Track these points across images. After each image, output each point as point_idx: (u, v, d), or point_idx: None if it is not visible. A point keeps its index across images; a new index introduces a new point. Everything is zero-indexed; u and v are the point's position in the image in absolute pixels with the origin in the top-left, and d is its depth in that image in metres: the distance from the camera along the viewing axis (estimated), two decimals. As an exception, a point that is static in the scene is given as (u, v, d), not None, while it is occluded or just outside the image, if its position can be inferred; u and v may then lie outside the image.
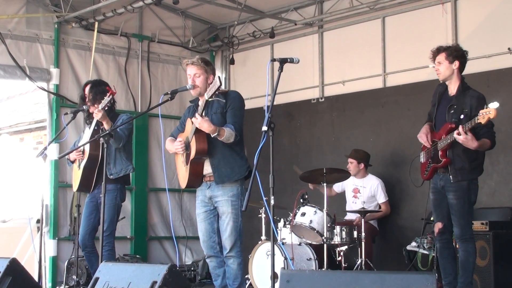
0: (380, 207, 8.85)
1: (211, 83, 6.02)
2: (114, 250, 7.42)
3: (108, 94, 6.78)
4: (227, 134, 5.90)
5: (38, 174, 9.62)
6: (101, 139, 6.46)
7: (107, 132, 6.74)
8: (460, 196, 6.24)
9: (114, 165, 7.37)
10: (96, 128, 7.21)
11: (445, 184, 6.33)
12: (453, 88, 6.39)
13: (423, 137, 6.51)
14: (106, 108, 6.94)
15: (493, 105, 5.85)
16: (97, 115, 6.90)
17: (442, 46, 6.45)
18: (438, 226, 6.50)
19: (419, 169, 6.76)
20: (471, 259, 6.26)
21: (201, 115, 5.86)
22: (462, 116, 6.12)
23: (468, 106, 6.20)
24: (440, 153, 6.28)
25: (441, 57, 6.36)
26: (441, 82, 6.48)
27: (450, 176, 6.24)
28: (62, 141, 9.11)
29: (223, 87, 6.15)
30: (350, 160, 8.95)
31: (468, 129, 5.97)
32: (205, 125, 5.82)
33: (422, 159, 6.60)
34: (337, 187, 9.15)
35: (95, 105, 7.28)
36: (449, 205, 6.32)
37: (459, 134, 5.97)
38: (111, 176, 7.31)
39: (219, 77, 5.74)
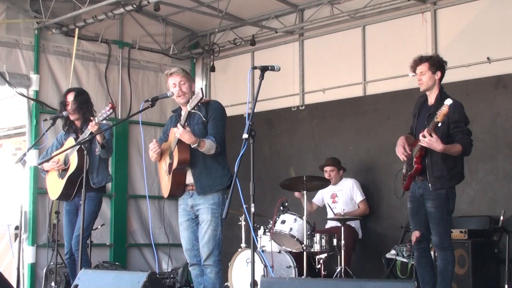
0: (359, 207, 8.88)
1: (193, 91, 6.06)
2: (88, 255, 7.41)
3: (108, 108, 6.72)
4: (208, 145, 5.90)
5: (17, 181, 9.55)
6: (83, 147, 6.47)
7: (101, 144, 6.81)
8: (438, 204, 6.24)
9: (97, 174, 7.38)
10: (77, 137, 7.17)
11: (424, 192, 6.32)
12: (432, 97, 6.41)
13: (399, 149, 6.49)
14: (104, 121, 6.90)
15: (447, 102, 5.86)
16: (93, 127, 6.78)
17: (424, 56, 6.45)
18: (415, 234, 6.51)
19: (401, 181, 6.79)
20: (450, 268, 6.26)
21: (183, 126, 5.85)
22: (439, 125, 6.14)
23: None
24: (414, 159, 6.28)
25: (424, 67, 6.35)
26: (421, 91, 6.47)
27: (429, 184, 6.23)
28: (42, 147, 9.03)
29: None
30: (330, 168, 8.94)
31: (431, 131, 5.95)
32: (186, 136, 5.81)
33: (404, 169, 6.62)
34: (317, 200, 9.15)
35: (79, 114, 7.32)
36: (428, 213, 6.32)
37: (424, 136, 5.96)
38: (94, 186, 7.34)
39: (201, 89, 5.72)
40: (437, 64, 6.37)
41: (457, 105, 6.14)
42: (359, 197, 8.88)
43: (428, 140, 5.95)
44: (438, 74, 6.36)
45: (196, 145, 5.84)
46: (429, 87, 6.38)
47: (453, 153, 6.13)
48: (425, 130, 5.99)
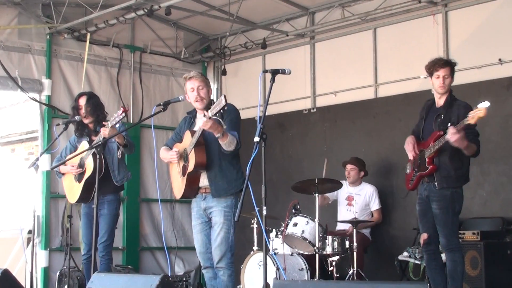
0: (372, 215, 8.86)
1: (210, 96, 6.18)
2: (112, 259, 7.48)
3: (121, 112, 6.72)
4: (230, 138, 5.88)
5: (30, 185, 9.60)
6: (95, 151, 6.54)
7: (123, 144, 6.90)
8: (443, 206, 6.27)
9: (118, 172, 7.42)
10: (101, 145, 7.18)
11: (429, 193, 6.36)
12: (442, 100, 6.44)
13: (409, 146, 6.52)
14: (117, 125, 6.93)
15: (483, 105, 5.86)
16: (105, 131, 6.75)
17: (448, 60, 6.50)
18: (423, 237, 6.52)
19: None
20: (459, 269, 6.27)
21: (210, 117, 5.73)
22: (449, 125, 6.15)
23: (456, 115, 6.26)
24: (427, 160, 6.31)
25: (447, 71, 6.37)
26: (441, 94, 6.45)
27: (436, 184, 6.27)
28: (54, 152, 9.06)
29: (215, 98, 6.16)
30: (351, 166, 8.94)
31: (461, 129, 5.96)
32: (213, 126, 5.72)
33: (408, 170, 6.63)
34: (331, 194, 9.11)
35: (93, 117, 7.36)
36: (434, 215, 6.34)
37: (453, 133, 5.94)
38: (117, 183, 7.39)
39: (225, 96, 5.59)
40: (454, 70, 6.44)
41: (467, 107, 6.17)
42: (376, 205, 8.85)
43: (459, 135, 5.93)
44: (453, 79, 6.43)
45: (221, 134, 5.78)
46: (447, 91, 6.41)
47: (470, 151, 6.18)
48: (453, 127, 5.96)
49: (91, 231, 7.49)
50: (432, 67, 6.44)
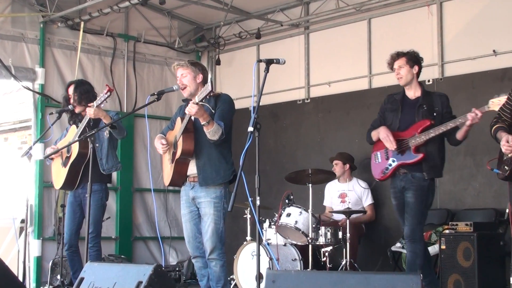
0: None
1: (200, 81, 6.10)
2: (101, 250, 7.43)
3: (106, 91, 6.70)
4: (215, 127, 5.84)
5: (23, 174, 9.58)
6: (88, 138, 6.48)
7: (110, 124, 6.80)
8: (418, 195, 6.27)
9: (106, 160, 7.33)
10: (86, 126, 7.14)
11: (406, 184, 6.36)
12: (414, 92, 6.47)
13: (390, 136, 6.42)
14: (102, 105, 6.91)
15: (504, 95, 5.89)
16: (90, 111, 6.79)
17: (401, 51, 6.52)
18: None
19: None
20: (418, 261, 6.22)
21: (197, 103, 5.72)
22: (434, 114, 6.22)
23: (439, 105, 6.35)
24: (412, 148, 6.29)
25: (402, 61, 6.44)
26: (402, 85, 6.51)
27: (424, 173, 6.27)
28: (47, 141, 9.04)
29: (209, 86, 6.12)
30: (335, 161, 8.97)
31: (481, 112, 6.02)
32: (200, 112, 5.71)
33: (379, 159, 6.61)
34: (329, 202, 9.13)
35: (82, 105, 7.32)
36: (406, 203, 6.33)
37: (476, 114, 6.01)
38: (104, 172, 7.31)
39: (211, 82, 5.60)
40: (414, 58, 6.46)
41: (447, 98, 6.37)
42: (368, 200, 8.86)
43: (479, 117, 6.02)
44: (416, 68, 6.45)
45: (206, 122, 5.77)
46: (409, 81, 6.46)
47: (464, 136, 6.24)
48: (475, 109, 6.02)
49: (71, 222, 7.49)
50: (390, 63, 6.56)
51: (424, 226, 6.49)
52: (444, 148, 6.41)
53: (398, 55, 6.48)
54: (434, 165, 6.31)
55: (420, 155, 6.28)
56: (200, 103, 5.73)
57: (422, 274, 6.30)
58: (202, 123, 5.79)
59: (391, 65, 6.53)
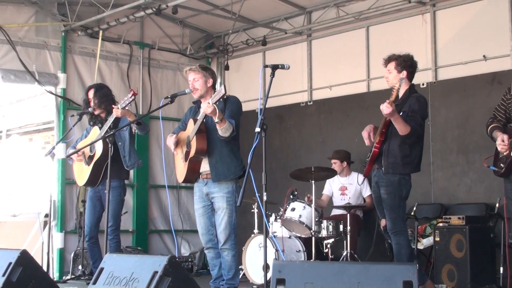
0: (365, 201, 8.86)
1: (211, 85, 6.16)
2: (120, 242, 7.44)
3: (130, 95, 6.75)
4: (227, 124, 5.85)
5: (46, 172, 9.59)
6: (108, 140, 6.53)
7: (135, 120, 6.84)
8: (390, 191, 6.12)
9: (129, 158, 7.35)
10: (109, 128, 7.14)
11: (378, 179, 6.24)
12: (400, 94, 6.28)
13: (364, 134, 6.40)
14: (127, 108, 6.92)
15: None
16: (117, 112, 6.82)
17: (394, 55, 6.36)
18: (382, 223, 6.45)
19: None
20: (403, 251, 6.12)
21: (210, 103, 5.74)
22: (401, 113, 6.02)
23: (408, 105, 6.13)
24: (374, 145, 6.18)
25: (391, 66, 6.30)
26: (393, 88, 6.38)
27: (382, 169, 6.13)
28: (69, 141, 9.06)
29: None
30: (333, 161, 8.96)
31: (391, 103, 5.84)
32: (214, 110, 5.71)
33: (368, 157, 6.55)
34: (328, 191, 9.11)
35: (101, 107, 7.36)
36: (382, 199, 6.21)
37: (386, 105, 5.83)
38: (127, 168, 7.34)
39: (224, 86, 5.69)
40: (403, 63, 6.27)
41: (420, 98, 6.12)
42: (367, 191, 8.83)
43: (386, 105, 5.81)
44: (404, 73, 6.24)
45: (219, 119, 5.77)
46: (394, 84, 6.25)
47: (400, 128, 5.94)
48: (387, 101, 5.87)
49: (92, 215, 7.51)
50: (384, 65, 6.42)
51: (404, 218, 6.31)
52: (410, 147, 6.09)
53: (390, 59, 6.34)
54: (394, 162, 6.08)
55: (373, 150, 6.15)
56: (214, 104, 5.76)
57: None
58: (215, 121, 5.80)
59: (385, 66, 6.43)
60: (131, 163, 7.37)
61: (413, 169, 6.20)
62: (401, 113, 6.00)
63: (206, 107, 5.74)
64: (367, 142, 6.39)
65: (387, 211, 6.17)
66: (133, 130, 7.22)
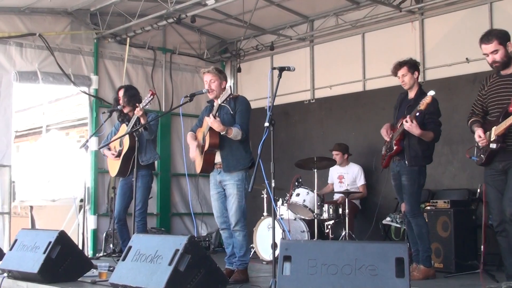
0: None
1: (224, 87, 6.11)
2: (146, 224, 7.48)
3: (149, 95, 6.76)
4: (234, 132, 5.89)
5: (81, 162, 9.61)
6: (134, 132, 6.55)
7: (143, 125, 6.81)
8: (411, 178, 6.22)
9: (145, 153, 7.39)
10: (134, 124, 7.17)
11: (400, 169, 6.31)
12: (413, 93, 6.36)
13: (383, 131, 6.48)
14: (147, 106, 6.94)
15: (430, 93, 5.87)
16: (139, 112, 6.90)
17: (403, 61, 6.36)
18: (403, 207, 6.51)
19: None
20: (424, 230, 6.25)
21: (214, 116, 5.87)
22: (417, 114, 6.04)
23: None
24: (394, 142, 6.26)
25: (404, 70, 6.30)
26: (407, 89, 6.41)
27: (406, 162, 6.21)
28: (101, 135, 9.11)
29: (232, 92, 6.12)
30: (335, 152, 8.93)
31: (413, 118, 5.94)
32: (216, 125, 5.85)
33: (383, 151, 6.58)
34: (331, 179, 9.12)
35: (130, 106, 7.38)
36: (402, 186, 6.30)
37: (406, 121, 5.97)
38: (143, 163, 7.34)
39: (230, 87, 5.76)
40: (413, 66, 6.33)
41: (433, 100, 6.08)
42: (361, 181, 8.83)
43: (409, 125, 5.95)
44: (416, 74, 6.33)
45: (224, 132, 5.85)
46: (411, 85, 6.35)
47: (426, 138, 6.12)
48: (408, 117, 5.98)
49: (121, 201, 7.55)
50: (394, 71, 6.41)
51: (419, 203, 6.40)
52: (427, 142, 6.18)
53: (400, 65, 6.33)
54: (416, 155, 6.19)
55: (396, 148, 6.24)
56: (223, 104, 5.87)
57: (412, 243, 6.31)
58: (222, 134, 5.87)
59: (394, 73, 6.39)
60: (146, 158, 7.40)
61: (430, 161, 6.35)
62: (417, 114, 6.00)
63: (212, 122, 5.84)
64: (387, 138, 6.44)
65: (407, 195, 6.26)
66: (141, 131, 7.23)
